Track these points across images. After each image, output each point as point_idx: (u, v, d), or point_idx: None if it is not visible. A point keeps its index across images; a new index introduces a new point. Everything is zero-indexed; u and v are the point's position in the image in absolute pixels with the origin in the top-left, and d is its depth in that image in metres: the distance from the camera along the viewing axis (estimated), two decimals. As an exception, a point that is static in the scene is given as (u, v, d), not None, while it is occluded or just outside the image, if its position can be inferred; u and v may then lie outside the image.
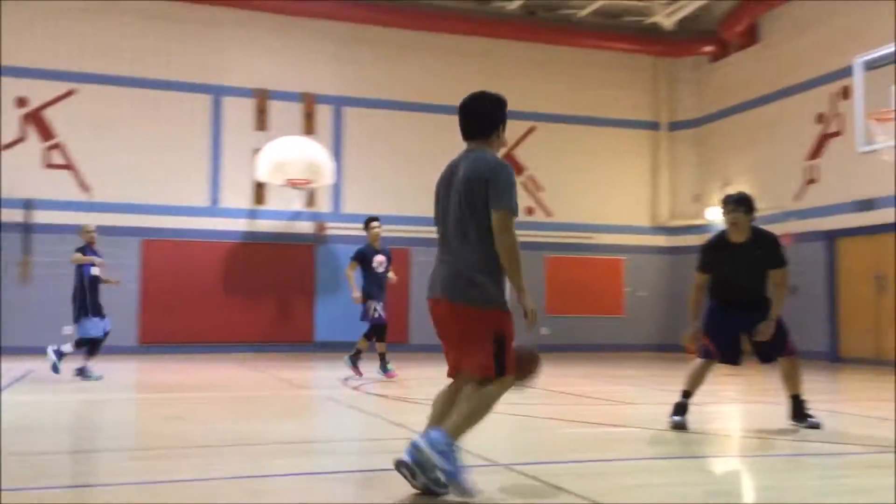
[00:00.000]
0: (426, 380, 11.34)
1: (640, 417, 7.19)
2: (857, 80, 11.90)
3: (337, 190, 17.72)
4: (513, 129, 20.15)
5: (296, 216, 17.43)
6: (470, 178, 3.99)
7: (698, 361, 6.26)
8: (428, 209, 17.57)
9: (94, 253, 10.24)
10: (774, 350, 6.21)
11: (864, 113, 11.68)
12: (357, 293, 10.58)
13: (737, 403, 8.80)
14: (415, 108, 18.43)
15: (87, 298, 9.92)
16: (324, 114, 17.85)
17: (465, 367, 3.95)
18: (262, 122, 17.34)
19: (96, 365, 10.03)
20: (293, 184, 15.94)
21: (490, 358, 3.88)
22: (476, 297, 3.92)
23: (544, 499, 3.81)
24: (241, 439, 5.52)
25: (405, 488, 3.95)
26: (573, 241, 19.20)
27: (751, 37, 17.99)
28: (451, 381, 4.11)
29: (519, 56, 19.13)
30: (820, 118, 16.22)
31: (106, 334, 10.11)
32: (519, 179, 18.99)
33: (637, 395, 9.11)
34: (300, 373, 12.03)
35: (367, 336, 10.68)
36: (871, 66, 11.88)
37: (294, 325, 17.22)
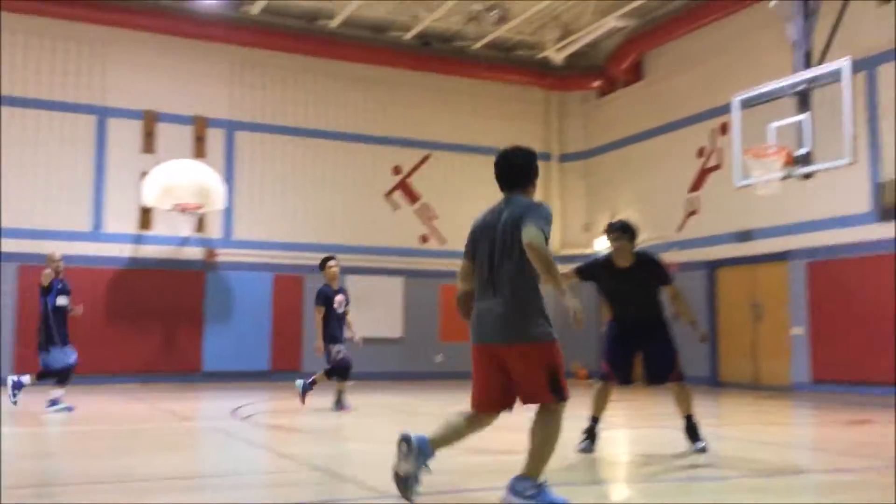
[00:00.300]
0: (317, 411, 11.15)
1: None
2: (735, 117, 12.48)
3: (228, 215, 17.33)
4: (408, 157, 20.41)
5: (184, 242, 16.93)
6: (509, 222, 4.32)
7: (598, 385, 6.44)
8: (322, 236, 17.56)
9: (61, 283, 10.03)
10: (664, 371, 6.42)
11: (741, 149, 12.24)
12: (320, 342, 10.19)
13: (624, 429, 8.99)
14: (309, 133, 18.28)
15: (52, 329, 9.75)
16: (215, 137, 17.48)
17: (531, 400, 4.26)
18: (149, 144, 16.83)
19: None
20: (182, 208, 15.51)
21: (546, 388, 4.20)
22: (532, 334, 4.20)
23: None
24: (120, 475, 5.26)
25: (294, 523, 3.84)
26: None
27: (636, 73, 18.68)
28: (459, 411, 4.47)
29: (414, 85, 19.26)
30: (701, 152, 16.94)
31: (69, 366, 9.80)
32: (413, 208, 19.07)
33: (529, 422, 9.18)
34: (186, 404, 11.62)
35: (328, 374, 10.28)
36: (748, 104, 12.49)
37: (181, 354, 16.66)
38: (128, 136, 16.72)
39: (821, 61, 12.04)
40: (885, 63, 13.41)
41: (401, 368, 18.43)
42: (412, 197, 19.14)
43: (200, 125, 17.32)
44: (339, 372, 10.20)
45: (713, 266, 16.39)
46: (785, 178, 11.89)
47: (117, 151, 16.61)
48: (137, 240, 16.64)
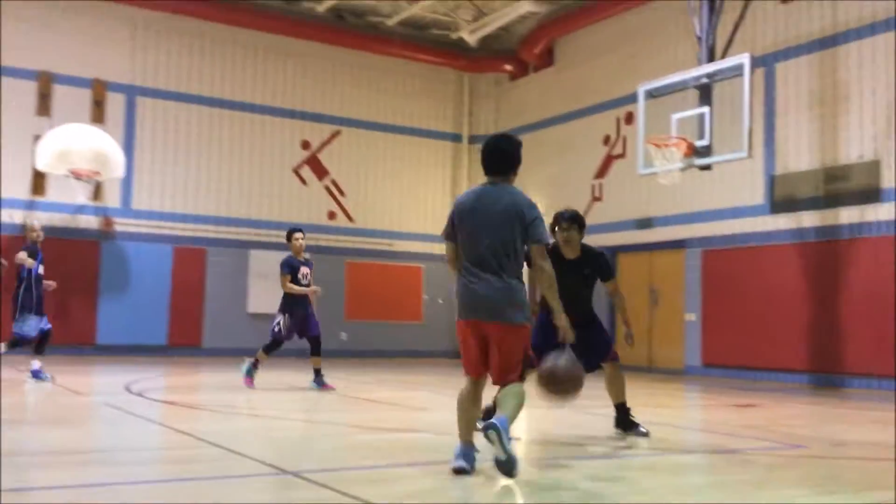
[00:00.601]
0: (215, 387, 10.97)
1: (433, 423, 7.30)
2: (640, 107, 12.78)
3: (127, 184, 16.77)
4: (317, 132, 20.14)
5: (79, 210, 16.30)
6: (510, 212, 4.58)
7: (527, 373, 6.37)
8: (226, 209, 17.08)
9: (39, 252, 10.28)
10: (597, 358, 6.37)
11: (644, 138, 12.55)
12: (315, 288, 10.25)
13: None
14: (215, 103, 17.83)
15: (31, 297, 9.94)
16: (115, 102, 16.85)
17: (504, 378, 4.57)
18: (44, 107, 16.10)
19: None
20: (77, 174, 14.91)
21: (520, 366, 4.60)
22: (517, 317, 4.55)
23: (333, 507, 3.76)
24: (5, 450, 5.04)
25: (181, 500, 3.78)
26: (374, 247, 19.30)
27: (547, 59, 18.90)
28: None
29: (326, 59, 19.00)
30: (607, 140, 17.30)
31: (44, 333, 10.05)
32: (321, 184, 18.87)
33: (431, 401, 9.26)
34: (78, 377, 11.23)
35: (268, 350, 10.07)
36: (653, 94, 12.80)
37: (74, 326, 16.07)
38: (21, 98, 15.95)
39: (723, 56, 12.42)
40: (783, 61, 13.95)
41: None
42: (321, 173, 18.92)
43: (99, 89, 16.66)
44: (274, 346, 10.15)
45: (614, 251, 16.78)
46: (685, 168, 12.26)
47: (10, 113, 15.82)
48: (30, 206, 15.95)
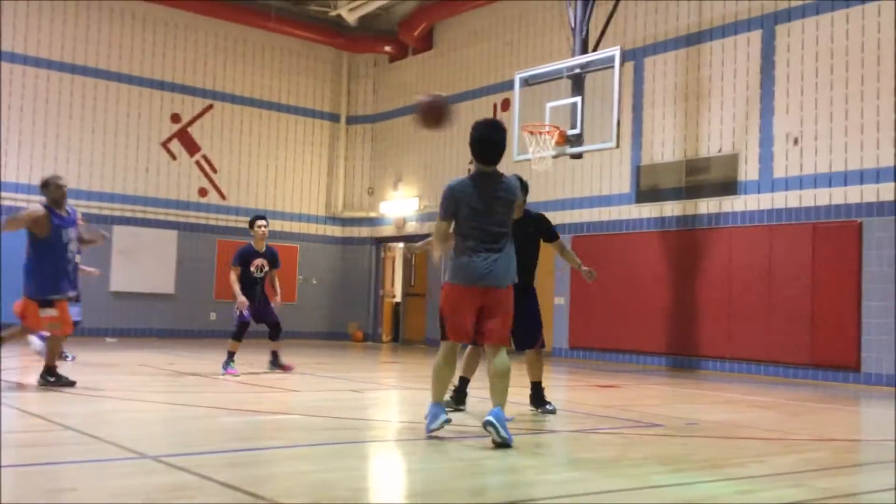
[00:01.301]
0: (73, 368, 10.51)
1: (302, 405, 7.24)
2: (516, 93, 13.00)
3: (-20, 153, 15.76)
4: (188, 106, 19.48)
5: (-75, 179, 15.21)
6: (508, 195, 5.34)
7: (468, 348, 6.50)
8: (90, 182, 16.36)
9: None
10: (529, 340, 6.71)
11: (519, 124, 12.78)
12: (241, 298, 9.68)
13: (394, 389, 9.20)
14: (79, 71, 17.00)
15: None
16: (-32, 66, 15.76)
17: (502, 338, 5.30)
18: None
19: None
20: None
21: (508, 329, 5.39)
22: (512, 280, 5.33)
23: (188, 491, 3.67)
24: None
25: (33, 487, 3.61)
26: (245, 225, 18.85)
27: (427, 42, 18.94)
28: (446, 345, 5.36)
29: (199, 30, 18.40)
30: (484, 126, 17.50)
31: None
32: (193, 159, 18.28)
33: (301, 382, 9.16)
34: None
35: (236, 337, 9.72)
36: (528, 82, 13.03)
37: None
38: None
39: (595, 48, 12.77)
40: (651, 55, 14.48)
41: (172, 326, 17.73)
42: (192, 148, 18.34)
43: (-50, 50, 15.54)
44: (241, 331, 9.81)
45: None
46: (557, 156, 12.56)
47: None
48: None
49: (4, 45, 16.14)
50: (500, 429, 4.93)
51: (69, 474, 3.98)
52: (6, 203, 15.98)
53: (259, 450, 4.89)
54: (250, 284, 9.94)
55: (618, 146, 12.17)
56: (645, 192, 14.39)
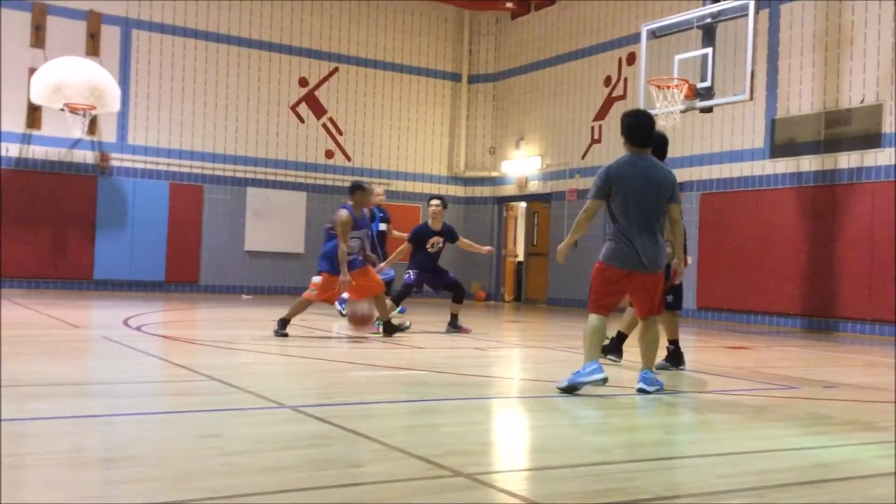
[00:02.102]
0: (213, 323, 11.09)
1: (427, 361, 7.38)
2: (643, 47, 12.63)
3: (123, 119, 16.65)
4: (315, 70, 19.91)
5: (75, 144, 16.21)
6: (665, 182, 5.56)
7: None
8: (223, 146, 17.02)
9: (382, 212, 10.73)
10: (675, 302, 7.05)
11: (646, 79, 12.43)
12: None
13: (518, 348, 9.26)
14: (212, 38, 17.60)
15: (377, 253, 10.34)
16: (111, 35, 16.62)
17: (657, 311, 5.78)
18: (39, 38, 15.89)
19: None
20: (73, 108, 14.78)
21: (660, 303, 5.95)
22: (663, 265, 5.63)
23: (326, 439, 3.82)
24: (15, 380, 5.10)
25: (181, 432, 3.84)
26: (371, 186, 19.20)
27: (549, -3, 18.61)
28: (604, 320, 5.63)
29: (324, -6, 18.70)
30: (608, 81, 17.12)
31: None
32: (319, 122, 18.73)
33: (427, 340, 9.34)
34: (76, 311, 11.30)
35: (395, 300, 10.39)
36: (655, 34, 12.64)
37: (71, 261, 16.13)
38: (15, 29, 15.73)
39: (728, -4, 12.22)
40: (788, 2, 13.74)
41: (303, 284, 18.33)
42: (318, 111, 18.77)
43: (94, 21, 16.42)
44: (454, 294, 10.32)
45: (612, 194, 16.75)
46: (685, 110, 12.17)
47: (5, 44, 15.62)
48: (25, 139, 15.86)
49: (139, 14, 16.90)
50: (650, 385, 5.46)
51: (213, 421, 4.21)
52: (136, 166, 16.85)
53: (388, 402, 5.03)
54: (426, 258, 10.31)
55: (751, 98, 11.67)
56: (780, 147, 13.77)
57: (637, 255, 5.46)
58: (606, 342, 6.96)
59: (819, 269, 13.05)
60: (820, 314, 13.04)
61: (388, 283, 10.63)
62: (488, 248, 11.11)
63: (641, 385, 5.49)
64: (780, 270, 13.55)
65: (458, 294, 10.32)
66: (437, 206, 10.38)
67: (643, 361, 5.63)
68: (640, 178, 5.49)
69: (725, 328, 12.93)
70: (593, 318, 5.52)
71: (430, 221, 10.38)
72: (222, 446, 3.58)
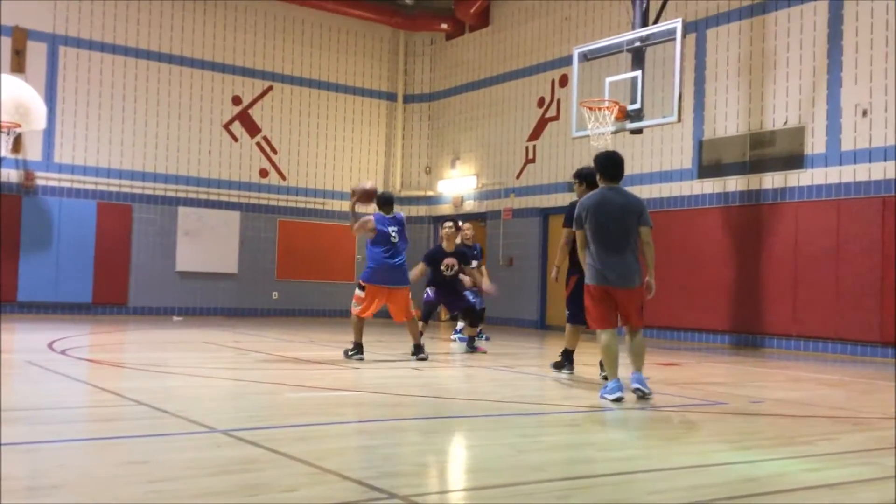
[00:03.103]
0: (142, 346, 10.83)
1: (362, 382, 7.33)
2: (574, 69, 12.85)
3: (49, 137, 16.23)
4: (248, 88, 19.70)
5: (-1, 163, 15.71)
6: (631, 209, 6.32)
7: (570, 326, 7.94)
8: (154, 164, 16.75)
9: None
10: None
11: (578, 100, 12.65)
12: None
13: (454, 368, 9.26)
14: (143, 55, 17.31)
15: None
16: (37, 52, 16.21)
17: (634, 323, 6.36)
18: (-40, 54, 15.39)
19: None
20: (-4, 126, 14.33)
21: (640, 315, 6.43)
22: (638, 281, 6.34)
23: (258, 464, 3.75)
24: (-82, 409, 4.89)
25: (108, 459, 3.74)
26: (306, 205, 19.11)
27: (484, 19, 18.83)
28: (597, 330, 6.45)
29: (258, 12, 18.60)
30: (541, 102, 17.37)
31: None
32: (253, 140, 18.54)
33: (364, 363, 9.26)
34: (-2, 336, 10.89)
35: (423, 318, 10.42)
36: (587, 57, 12.88)
37: (-7, 283, 15.57)
38: (-66, 43, 15.22)
39: (656, 21, 12.54)
40: (714, 27, 14.17)
41: (235, 304, 18.09)
42: (252, 129, 18.59)
43: (20, 37, 15.99)
44: (468, 318, 10.55)
45: (546, 213, 16.96)
46: (616, 132, 12.41)
47: (-79, 59, 15.09)
48: (-56, 158, 15.31)
49: (66, 30, 16.53)
50: (644, 386, 6.19)
51: (141, 447, 4.10)
52: (63, 185, 16.44)
53: (323, 424, 4.97)
54: (443, 280, 10.37)
55: (679, 120, 11.97)
56: (707, 167, 14.14)
57: (609, 273, 6.22)
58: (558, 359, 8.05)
59: (745, 286, 13.40)
60: (747, 330, 13.38)
61: (482, 310, 11.34)
62: (489, 287, 11.09)
63: (636, 386, 6.18)
64: (708, 288, 13.86)
65: (472, 319, 10.50)
66: (449, 227, 10.44)
67: (634, 365, 6.28)
68: (613, 205, 6.28)
69: (655, 345, 13.15)
70: (602, 336, 6.29)
71: (444, 243, 10.43)
72: (150, 473, 3.49)
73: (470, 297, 10.91)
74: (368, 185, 9.18)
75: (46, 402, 5.60)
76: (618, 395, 6.05)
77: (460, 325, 12.04)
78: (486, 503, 3.25)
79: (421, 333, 9.95)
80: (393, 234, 8.97)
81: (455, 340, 11.97)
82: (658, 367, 9.47)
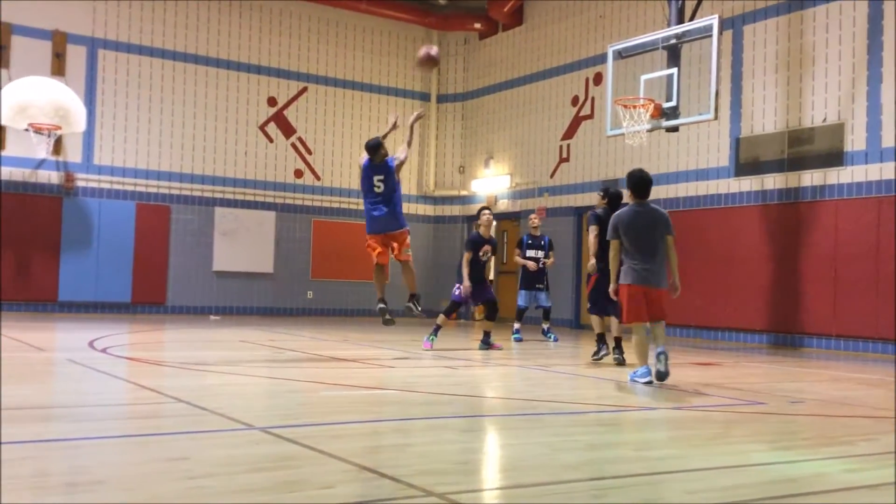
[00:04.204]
0: (180, 344, 10.97)
1: (397, 380, 7.36)
2: (609, 67, 12.77)
3: (88, 139, 16.49)
4: (284, 89, 19.86)
5: (40, 165, 16.02)
6: (659, 222, 7.42)
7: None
8: (191, 166, 16.99)
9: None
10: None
11: (612, 99, 12.57)
12: (467, 283, 10.62)
13: (489, 367, 9.26)
14: (180, 58, 17.53)
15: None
16: (76, 55, 16.49)
17: (663, 316, 7.38)
18: (3, 59, 15.72)
19: None
20: (37, 128, 14.61)
21: (665, 311, 7.45)
22: (666, 283, 7.39)
23: (296, 460, 3.79)
24: (-35, 406, 5.00)
25: (148, 455, 3.79)
26: (340, 205, 19.22)
27: (517, 18, 18.79)
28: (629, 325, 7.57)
29: (293, 14, 18.74)
30: (575, 100, 17.30)
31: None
32: (289, 141, 18.69)
33: (397, 359, 9.31)
34: (40, 334, 11.12)
35: (447, 312, 10.74)
36: (622, 54, 12.80)
37: (36, 283, 15.89)
38: (-22, 48, 15.55)
39: (692, 18, 12.43)
40: (751, 23, 14.00)
41: (270, 304, 18.25)
42: (287, 130, 18.74)
43: (60, 40, 16.28)
44: (487, 311, 10.69)
45: (580, 212, 16.89)
46: (652, 129, 12.32)
47: (-34, 64, 15.43)
48: (-12, 160, 15.64)
49: (105, 34, 16.80)
50: (666, 354, 7.11)
51: (180, 444, 4.15)
52: (102, 186, 16.70)
53: (359, 422, 5.00)
54: (476, 267, 10.60)
55: (716, 118, 11.84)
56: (745, 165, 13.97)
57: (649, 276, 7.27)
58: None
59: (784, 285, 13.23)
60: (785, 330, 13.21)
61: (548, 309, 12.47)
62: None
63: (661, 349, 7.13)
64: (746, 287, 13.70)
65: (491, 312, 10.65)
66: (487, 215, 10.81)
67: (657, 343, 7.27)
68: (645, 219, 7.39)
69: (693, 345, 13.04)
70: (636, 330, 7.35)
71: (481, 230, 10.79)
72: (189, 469, 3.54)
73: (543, 298, 12.31)
74: (433, 50, 9.19)
75: (88, 400, 5.70)
76: (648, 378, 7.12)
77: (517, 324, 12.56)
78: (522, 502, 3.25)
79: (438, 327, 10.30)
80: (378, 183, 8.81)
81: (515, 341, 12.30)
82: (695, 367, 9.38)
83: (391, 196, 8.85)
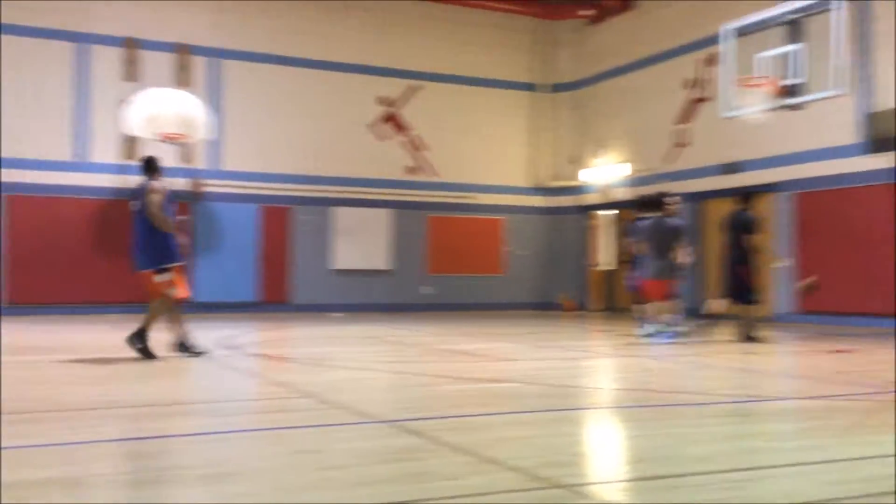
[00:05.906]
0: (306, 341, 11.29)
1: (518, 373, 7.37)
2: (725, 47, 12.36)
3: (216, 146, 17.19)
4: (396, 88, 20.11)
5: (170, 172, 16.78)
6: (670, 232, 9.56)
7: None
8: (309, 167, 17.42)
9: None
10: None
11: (729, 79, 12.16)
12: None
13: (608, 358, 9.15)
14: (297, 63, 18.05)
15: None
16: (199, 66, 17.22)
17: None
18: (131, 72, 16.57)
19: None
20: (166, 138, 15.33)
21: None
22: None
23: (421, 452, 3.85)
24: (108, 402, 5.33)
25: (280, 448, 3.94)
26: (455, 200, 19.35)
27: (626, 2, 18.42)
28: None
29: (402, 13, 18.97)
30: (689, 83, 16.82)
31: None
32: (400, 139, 18.95)
33: (516, 351, 9.32)
34: (172, 334, 11.64)
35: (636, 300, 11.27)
36: (738, 33, 12.35)
37: (169, 285, 16.65)
38: (109, 64, 16.46)
39: (812, -10, 11.86)
40: (878, -8, 13.26)
41: (389, 300, 18.57)
42: (401, 128, 19.00)
43: (183, 53, 17.03)
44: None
45: (699, 198, 16.43)
46: (775, 108, 11.86)
47: (99, 79, 16.36)
48: (122, 170, 16.51)
49: (225, 44, 17.45)
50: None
51: (311, 437, 4.30)
52: (229, 190, 17.35)
53: (481, 415, 5.04)
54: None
55: (848, 93, 11.27)
56: (875, 142, 13.25)
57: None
58: None
59: (923, 267, 12.47)
60: (926, 314, 12.46)
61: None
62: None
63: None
64: (880, 270, 13.00)
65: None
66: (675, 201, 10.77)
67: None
68: (655, 229, 9.41)
69: (821, 332, 12.49)
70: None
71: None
72: (320, 461, 3.66)
73: None
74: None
75: (222, 395, 5.96)
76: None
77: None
78: (652, 494, 3.21)
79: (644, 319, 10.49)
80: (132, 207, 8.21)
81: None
82: (828, 354, 8.99)
83: (139, 224, 8.21)
